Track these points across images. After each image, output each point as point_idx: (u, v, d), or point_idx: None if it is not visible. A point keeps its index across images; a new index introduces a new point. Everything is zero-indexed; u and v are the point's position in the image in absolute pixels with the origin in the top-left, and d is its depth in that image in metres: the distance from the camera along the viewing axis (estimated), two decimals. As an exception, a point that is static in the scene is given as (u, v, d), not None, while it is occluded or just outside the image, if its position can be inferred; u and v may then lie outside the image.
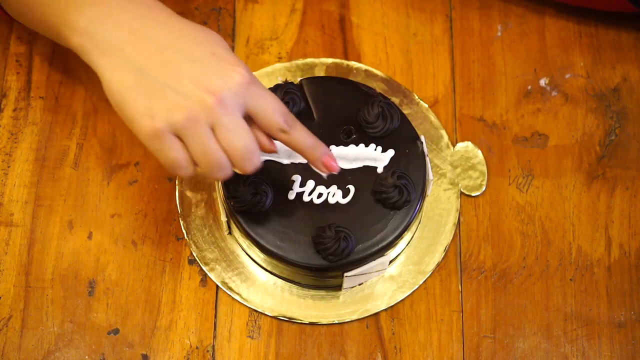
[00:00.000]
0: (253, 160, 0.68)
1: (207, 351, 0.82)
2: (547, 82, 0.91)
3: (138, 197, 0.86)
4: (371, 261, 0.78)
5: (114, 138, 0.88)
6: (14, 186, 0.87)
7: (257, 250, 0.79)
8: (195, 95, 0.66)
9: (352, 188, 0.79)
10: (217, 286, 0.83)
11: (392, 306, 0.83)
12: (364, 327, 0.83)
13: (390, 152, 0.80)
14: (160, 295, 0.83)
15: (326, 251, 0.76)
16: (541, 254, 0.85)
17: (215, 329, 0.82)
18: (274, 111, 0.69)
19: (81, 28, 0.69)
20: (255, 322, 0.83)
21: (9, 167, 0.87)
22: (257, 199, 0.77)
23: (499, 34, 0.93)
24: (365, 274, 0.80)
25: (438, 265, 0.84)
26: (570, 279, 0.84)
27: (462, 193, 0.86)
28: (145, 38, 0.68)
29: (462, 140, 0.89)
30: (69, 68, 0.91)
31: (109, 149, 0.88)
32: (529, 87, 0.91)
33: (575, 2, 0.91)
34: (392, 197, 0.77)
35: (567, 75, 0.91)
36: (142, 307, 0.83)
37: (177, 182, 0.86)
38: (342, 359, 0.82)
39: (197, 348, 0.82)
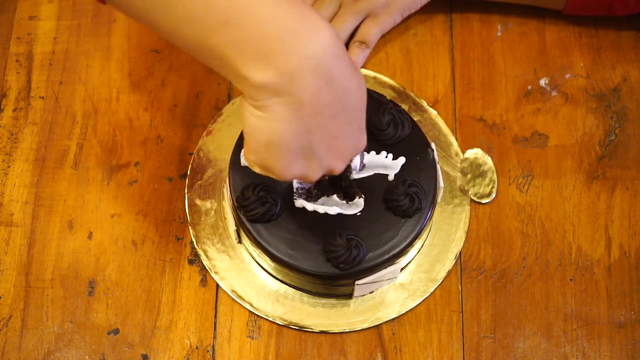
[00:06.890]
0: None
1: (207, 351, 0.81)
2: (547, 82, 0.91)
3: (138, 197, 0.86)
4: (382, 269, 0.78)
5: (114, 138, 0.88)
6: (14, 186, 0.87)
7: (267, 259, 0.79)
8: (330, 165, 0.67)
9: (362, 196, 0.78)
10: (217, 286, 0.83)
11: (403, 314, 0.83)
12: (364, 327, 0.83)
13: (402, 160, 0.79)
14: (160, 295, 0.83)
15: (337, 259, 0.76)
16: (541, 254, 0.85)
17: (215, 329, 0.82)
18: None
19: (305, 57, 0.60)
20: (255, 323, 0.83)
21: (9, 167, 0.87)
22: (267, 208, 0.76)
23: (499, 34, 0.93)
24: (377, 282, 0.80)
25: (449, 273, 0.84)
26: (570, 279, 0.84)
27: (472, 200, 0.86)
28: (323, 102, 0.62)
29: (462, 141, 0.88)
30: (69, 68, 0.91)
31: (109, 149, 0.88)
32: (529, 87, 0.91)
33: (593, 13, 0.91)
34: (403, 205, 0.77)
35: (567, 75, 0.91)
36: (142, 307, 0.83)
37: (186, 191, 0.86)
38: (342, 359, 0.82)
39: (197, 348, 0.81)
